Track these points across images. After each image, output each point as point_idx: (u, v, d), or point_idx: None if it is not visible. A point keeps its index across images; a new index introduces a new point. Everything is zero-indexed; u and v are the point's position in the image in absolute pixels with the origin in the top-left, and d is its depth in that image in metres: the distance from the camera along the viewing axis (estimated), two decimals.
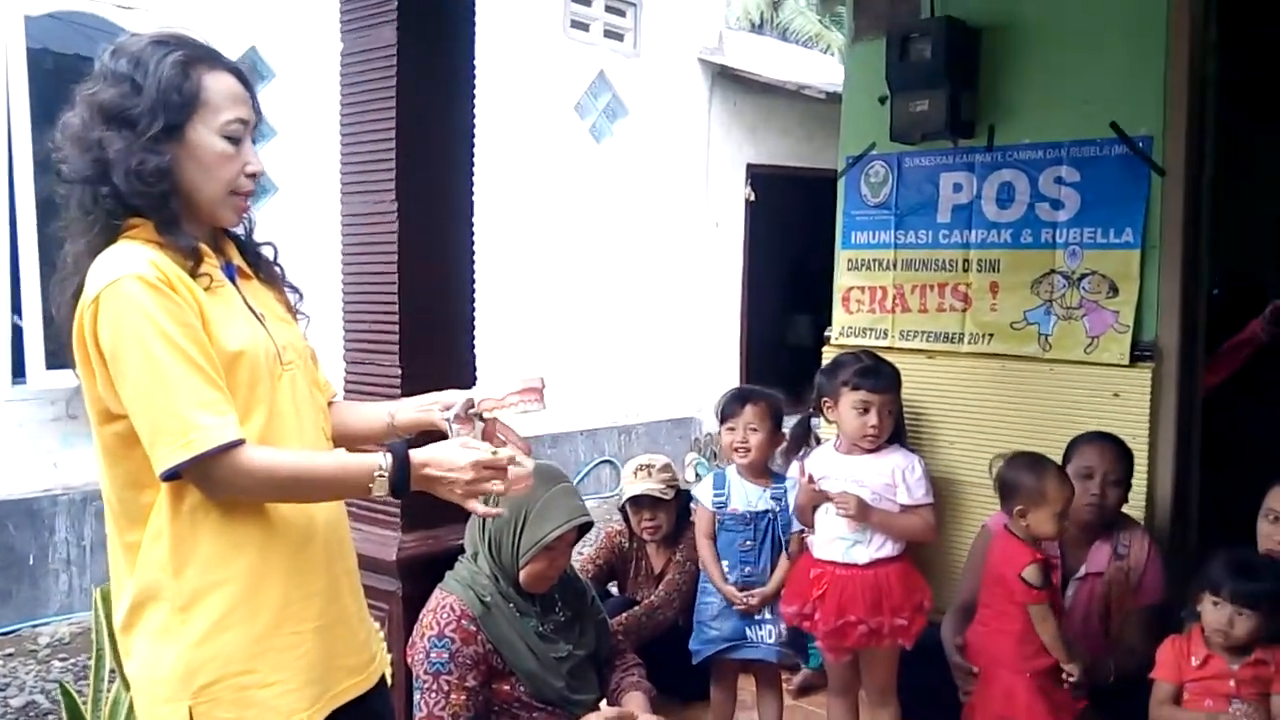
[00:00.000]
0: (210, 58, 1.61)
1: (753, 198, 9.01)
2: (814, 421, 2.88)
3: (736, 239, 9.00)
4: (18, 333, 4.97)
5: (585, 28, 7.87)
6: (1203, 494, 3.57)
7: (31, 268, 4.90)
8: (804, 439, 2.91)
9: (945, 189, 3.97)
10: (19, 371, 4.97)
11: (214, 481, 1.48)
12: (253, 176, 1.64)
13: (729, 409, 2.88)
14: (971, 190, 3.89)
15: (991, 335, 3.82)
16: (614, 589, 3.51)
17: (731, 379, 8.95)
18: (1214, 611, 2.56)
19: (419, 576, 2.53)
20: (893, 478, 2.57)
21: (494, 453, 1.61)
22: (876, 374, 2.70)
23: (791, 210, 10.22)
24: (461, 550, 2.55)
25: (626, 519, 3.46)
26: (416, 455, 1.59)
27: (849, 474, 2.59)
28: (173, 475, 1.46)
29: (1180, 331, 3.43)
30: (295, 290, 1.83)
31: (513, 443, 1.73)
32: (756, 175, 9.05)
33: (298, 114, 5.47)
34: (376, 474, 1.56)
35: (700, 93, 8.61)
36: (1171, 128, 3.42)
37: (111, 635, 2.46)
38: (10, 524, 4.92)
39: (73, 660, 4.53)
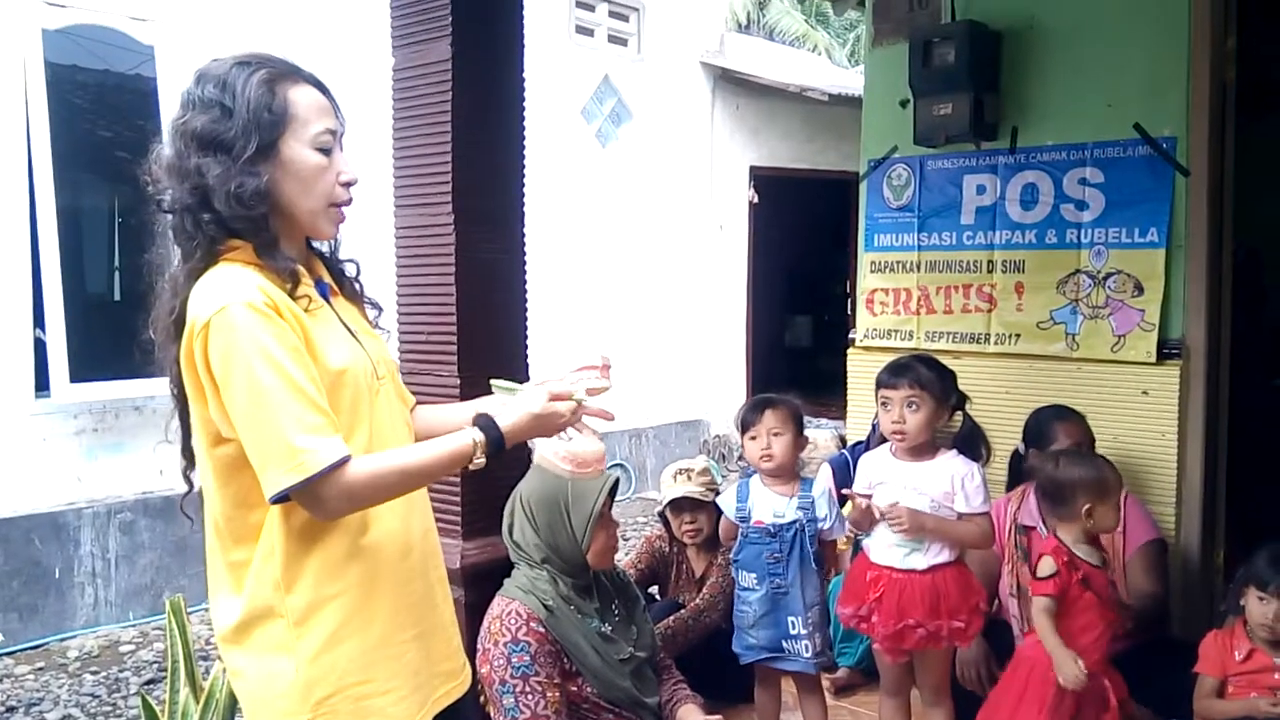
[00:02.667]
0: (292, 72, 1.63)
1: (756, 200, 9.05)
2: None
3: (741, 241, 9.05)
4: (41, 346, 4.97)
5: (590, 33, 7.91)
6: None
7: (54, 281, 4.92)
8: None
9: (969, 191, 4.03)
10: (43, 385, 4.98)
11: (324, 502, 1.49)
12: (348, 185, 1.65)
13: (749, 418, 2.84)
14: (995, 192, 3.95)
15: (1018, 335, 3.87)
16: (655, 593, 3.54)
17: (738, 380, 9.00)
18: (1260, 606, 2.60)
19: (481, 584, 2.56)
20: (951, 485, 2.58)
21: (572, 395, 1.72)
22: (896, 370, 2.69)
23: (794, 212, 10.29)
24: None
25: (666, 524, 3.50)
26: (508, 421, 1.66)
27: (906, 480, 2.61)
28: (282, 499, 1.48)
29: (1206, 329, 3.49)
30: (375, 306, 1.86)
31: (590, 419, 1.80)
32: (759, 177, 9.10)
33: None
34: (475, 455, 1.62)
35: (703, 95, 8.66)
36: (1194, 129, 3.48)
37: (186, 647, 2.51)
38: (35, 537, 4.93)
39: (104, 673, 4.54)
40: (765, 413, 2.83)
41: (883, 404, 2.68)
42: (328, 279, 1.74)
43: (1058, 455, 2.80)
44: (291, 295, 1.57)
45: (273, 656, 1.57)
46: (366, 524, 1.61)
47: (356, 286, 1.82)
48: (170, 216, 1.60)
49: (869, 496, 2.64)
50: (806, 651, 2.76)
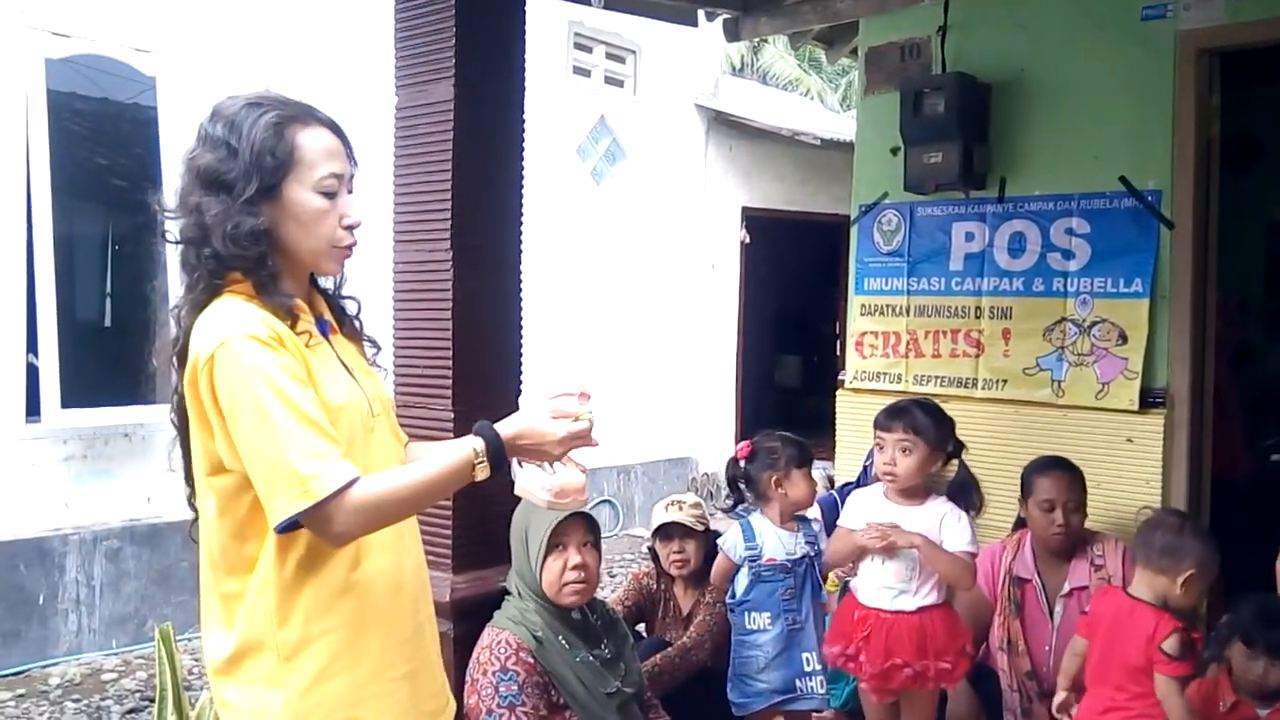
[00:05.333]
0: (304, 115, 1.65)
1: (748, 240, 9.14)
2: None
3: (732, 280, 9.11)
4: (33, 371, 4.97)
5: (587, 74, 8.00)
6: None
7: (48, 306, 4.92)
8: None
9: (957, 238, 4.10)
10: (34, 410, 4.96)
11: (334, 525, 1.50)
12: (350, 228, 1.67)
13: (770, 458, 2.91)
14: (983, 239, 4.02)
15: (1005, 381, 3.93)
16: (642, 631, 3.54)
17: (728, 419, 9.03)
18: (1248, 663, 2.59)
19: (470, 617, 2.57)
20: (939, 527, 2.63)
21: (578, 418, 1.68)
22: (893, 413, 2.77)
23: (785, 253, 10.38)
24: (507, 591, 2.61)
25: (655, 560, 3.51)
26: (506, 430, 1.64)
27: (896, 522, 2.65)
28: (290, 526, 1.49)
29: (1190, 379, 3.55)
30: (374, 344, 1.89)
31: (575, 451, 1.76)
32: (751, 218, 9.18)
33: None
34: (477, 462, 1.60)
35: (697, 137, 8.76)
36: (1179, 183, 3.56)
37: (175, 675, 2.51)
38: (21, 563, 4.90)
39: (86, 701, 4.50)
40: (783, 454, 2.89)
41: (877, 445, 2.74)
42: (328, 316, 1.76)
43: (1184, 517, 2.70)
44: (292, 330, 1.60)
45: (262, 689, 1.58)
46: (359, 559, 1.62)
47: (357, 324, 1.85)
48: (178, 247, 1.64)
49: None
50: (820, 688, 2.79)
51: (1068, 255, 3.79)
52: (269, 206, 1.60)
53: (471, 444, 1.62)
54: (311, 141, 1.63)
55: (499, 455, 1.63)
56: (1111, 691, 2.49)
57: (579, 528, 2.54)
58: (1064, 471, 3.20)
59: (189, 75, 5.36)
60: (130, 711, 4.37)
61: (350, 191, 1.69)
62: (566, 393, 1.74)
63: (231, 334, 1.51)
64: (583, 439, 1.68)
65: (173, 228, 1.64)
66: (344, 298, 1.83)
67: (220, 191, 1.58)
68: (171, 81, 5.39)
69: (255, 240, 1.58)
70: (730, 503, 3.04)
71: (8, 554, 4.87)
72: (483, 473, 1.62)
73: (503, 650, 2.42)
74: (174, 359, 1.61)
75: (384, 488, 1.54)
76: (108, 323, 5.67)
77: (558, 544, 2.49)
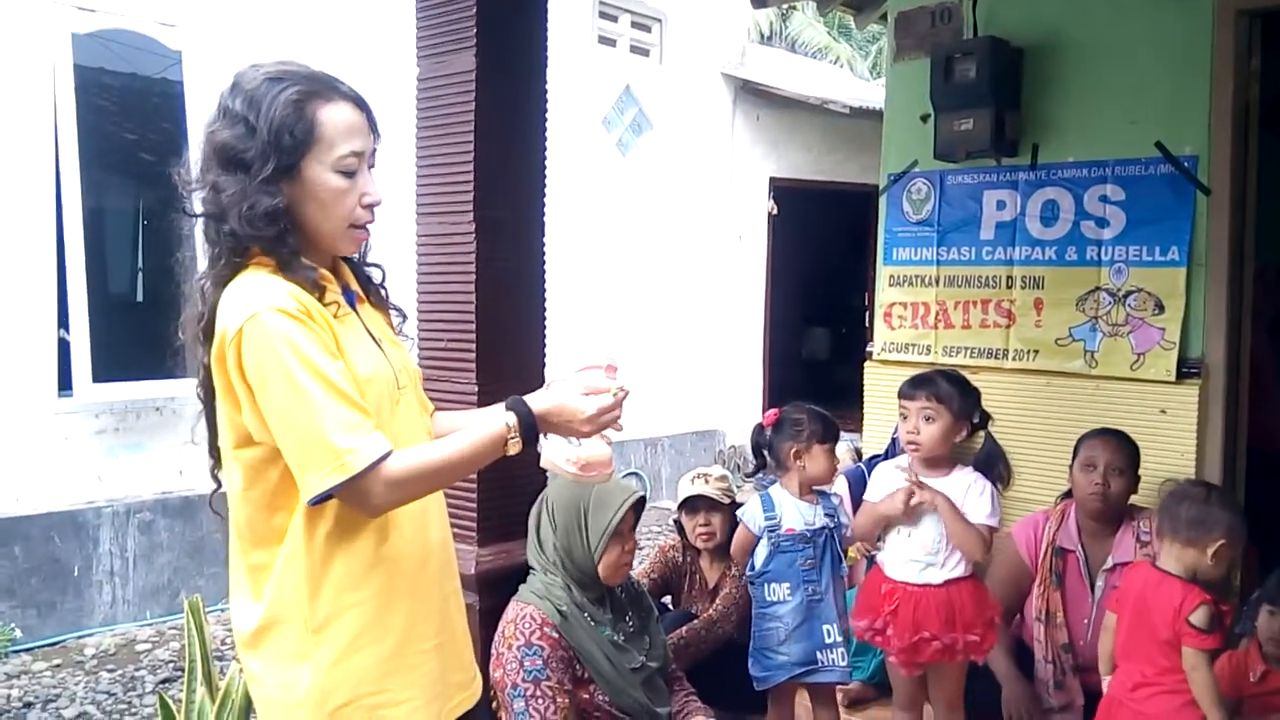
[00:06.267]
0: (326, 89, 1.61)
1: (775, 211, 9.06)
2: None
3: (759, 252, 9.05)
4: (65, 346, 5.03)
5: (612, 44, 7.94)
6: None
7: (79, 282, 4.97)
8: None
9: (988, 206, 4.03)
10: (66, 384, 5.02)
11: (370, 498, 1.50)
12: (370, 206, 1.64)
13: (794, 429, 2.88)
14: (1015, 208, 3.94)
15: (1036, 351, 3.87)
16: (668, 603, 3.54)
17: (755, 391, 9.00)
18: (1269, 621, 2.60)
19: (495, 590, 2.58)
20: (964, 498, 2.61)
21: (614, 393, 1.67)
22: (916, 382, 2.75)
23: (813, 224, 10.29)
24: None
25: (681, 532, 3.50)
26: (538, 406, 1.65)
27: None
28: (323, 499, 1.49)
29: (1226, 349, 3.48)
30: (400, 313, 1.87)
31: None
32: (779, 188, 9.11)
33: None
34: (509, 438, 1.62)
35: (724, 106, 8.68)
36: (1216, 148, 3.48)
37: (204, 647, 2.53)
38: (55, 535, 4.97)
39: (120, 671, 4.58)
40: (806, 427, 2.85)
41: (901, 414, 2.73)
42: (355, 286, 1.74)
43: (1210, 487, 2.66)
44: (320, 301, 1.58)
45: (289, 663, 1.58)
46: (387, 533, 1.61)
47: (383, 293, 1.83)
48: (198, 220, 1.63)
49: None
50: (842, 660, 2.77)
51: (1102, 223, 3.72)
52: (288, 185, 1.57)
53: (504, 419, 1.62)
54: (332, 118, 1.59)
55: (531, 430, 1.63)
56: (1141, 666, 2.45)
57: (630, 514, 2.56)
58: (1112, 436, 3.16)
59: (214, 49, 5.36)
60: (164, 681, 4.44)
61: (372, 166, 1.66)
62: (594, 366, 1.73)
63: (260, 307, 1.49)
64: (612, 417, 1.67)
65: (195, 199, 1.63)
66: (369, 265, 1.81)
67: (237, 170, 1.55)
68: (197, 55, 5.40)
69: (272, 220, 1.55)
70: (751, 468, 3.02)
71: (42, 526, 4.94)
72: (515, 448, 1.62)
73: (527, 625, 2.42)
74: (200, 333, 1.60)
75: (418, 461, 1.54)
76: (139, 297, 5.72)
77: (618, 532, 2.51)
